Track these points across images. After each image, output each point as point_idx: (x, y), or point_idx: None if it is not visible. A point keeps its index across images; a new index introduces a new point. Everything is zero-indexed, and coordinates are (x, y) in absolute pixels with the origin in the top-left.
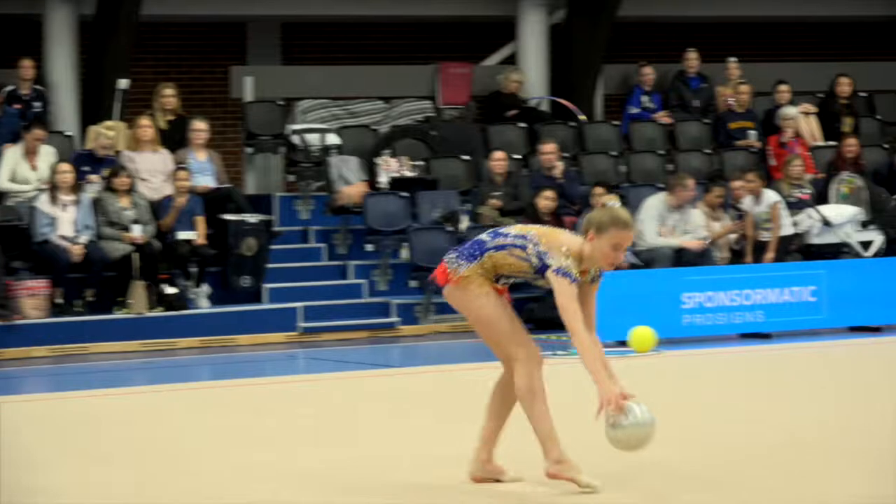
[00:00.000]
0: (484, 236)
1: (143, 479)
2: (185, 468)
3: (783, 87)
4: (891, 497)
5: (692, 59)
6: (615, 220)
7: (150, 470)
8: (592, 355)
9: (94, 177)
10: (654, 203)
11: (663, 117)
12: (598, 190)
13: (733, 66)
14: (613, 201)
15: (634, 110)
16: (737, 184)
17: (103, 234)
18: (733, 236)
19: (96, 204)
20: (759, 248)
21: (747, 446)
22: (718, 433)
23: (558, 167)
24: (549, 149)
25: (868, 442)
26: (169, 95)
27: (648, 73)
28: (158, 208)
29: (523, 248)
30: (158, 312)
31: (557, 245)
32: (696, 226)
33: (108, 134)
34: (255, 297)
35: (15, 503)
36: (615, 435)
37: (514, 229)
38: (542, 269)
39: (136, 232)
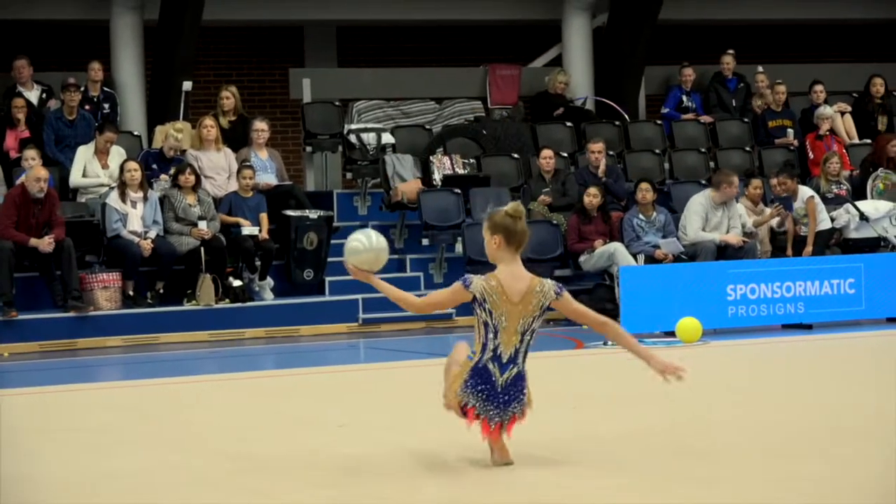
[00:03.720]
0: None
1: (209, 462)
2: (247, 452)
3: (818, 87)
4: None
5: (728, 61)
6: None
7: (218, 453)
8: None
9: (164, 176)
10: (700, 200)
11: (692, 117)
12: (644, 186)
13: (761, 76)
14: None
15: (665, 110)
16: (773, 181)
17: (171, 229)
18: (775, 221)
19: (164, 201)
20: (800, 243)
21: (794, 434)
22: (764, 420)
23: (602, 165)
24: (596, 147)
25: None
26: (231, 97)
27: (689, 74)
28: (222, 205)
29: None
30: (225, 304)
31: None
32: (740, 220)
33: (176, 135)
34: (317, 289)
35: (84, 485)
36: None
37: None
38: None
39: (204, 227)
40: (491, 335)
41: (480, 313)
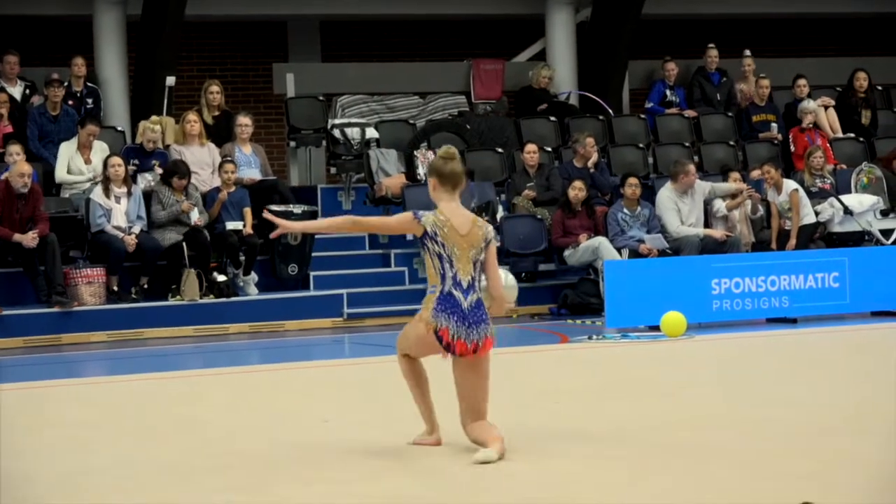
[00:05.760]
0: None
1: (194, 457)
2: (232, 447)
3: (801, 82)
4: None
5: (713, 55)
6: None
7: (203, 449)
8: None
9: (156, 168)
10: (666, 194)
11: (676, 112)
12: (633, 181)
13: (748, 60)
14: None
15: (649, 104)
16: (755, 173)
17: (159, 219)
18: (748, 204)
19: (152, 194)
20: (785, 237)
21: (779, 429)
22: (750, 416)
23: (594, 158)
24: (592, 142)
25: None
26: (215, 92)
27: (672, 68)
28: (206, 200)
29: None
30: (210, 299)
31: None
32: (716, 208)
33: (153, 127)
34: (301, 284)
35: (71, 481)
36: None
37: None
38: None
39: (195, 217)
40: (447, 265)
41: (432, 247)
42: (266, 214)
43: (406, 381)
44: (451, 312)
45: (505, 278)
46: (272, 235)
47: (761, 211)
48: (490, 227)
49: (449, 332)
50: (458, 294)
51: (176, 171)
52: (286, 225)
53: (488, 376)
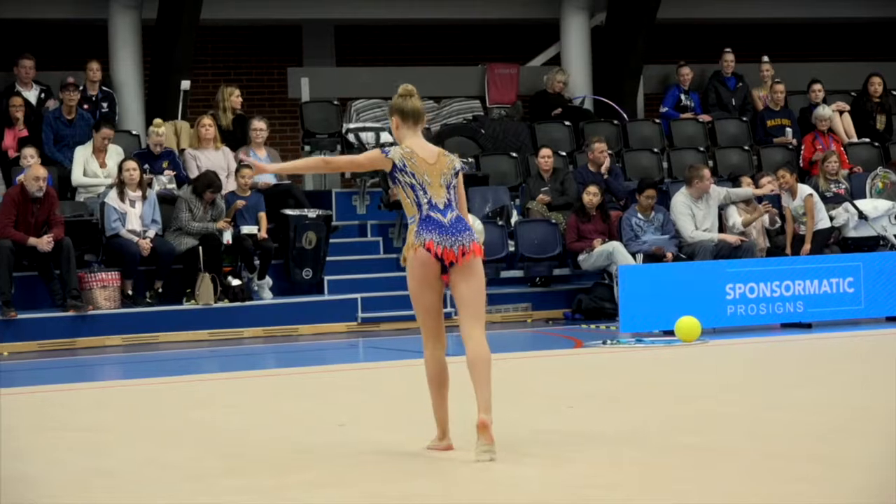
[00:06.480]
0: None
1: (208, 461)
2: (245, 450)
3: (816, 87)
4: None
5: (729, 60)
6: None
7: (217, 452)
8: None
9: (167, 171)
10: (680, 199)
11: (691, 116)
12: (650, 192)
13: (766, 66)
14: None
15: (664, 109)
16: (765, 180)
17: (192, 230)
18: (766, 218)
19: (179, 201)
20: (800, 242)
21: (791, 433)
22: (762, 420)
23: (606, 163)
24: (601, 147)
25: None
26: (231, 96)
27: (687, 72)
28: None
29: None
30: (224, 303)
31: None
32: (731, 220)
33: (157, 131)
34: (316, 288)
35: (81, 483)
36: None
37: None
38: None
39: (228, 237)
40: (421, 192)
41: (404, 178)
42: (244, 157)
43: (428, 383)
44: (432, 229)
45: (473, 222)
46: (250, 175)
47: (779, 223)
48: (458, 159)
49: (434, 243)
50: (436, 215)
51: (210, 185)
52: (260, 166)
53: (483, 281)
